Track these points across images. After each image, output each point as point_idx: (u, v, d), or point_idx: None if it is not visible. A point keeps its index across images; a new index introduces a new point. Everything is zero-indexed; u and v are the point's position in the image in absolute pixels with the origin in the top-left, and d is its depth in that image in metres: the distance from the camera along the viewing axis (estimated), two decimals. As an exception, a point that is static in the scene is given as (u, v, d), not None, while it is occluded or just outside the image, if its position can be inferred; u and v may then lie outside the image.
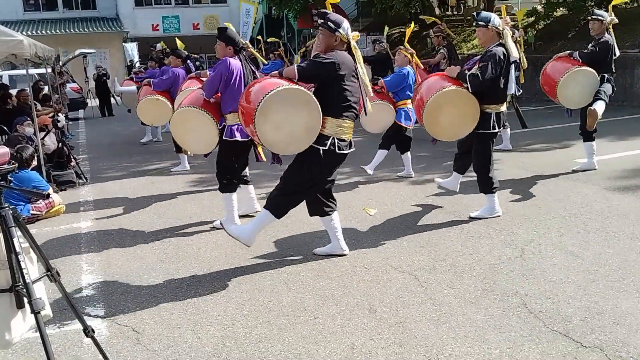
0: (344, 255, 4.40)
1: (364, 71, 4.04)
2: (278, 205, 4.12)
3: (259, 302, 3.69)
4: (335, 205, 4.35)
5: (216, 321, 3.46)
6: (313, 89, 4.05)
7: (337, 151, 4.02)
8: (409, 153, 6.98)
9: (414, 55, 6.83)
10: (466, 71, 4.81)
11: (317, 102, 3.90)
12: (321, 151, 3.98)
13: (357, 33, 4.21)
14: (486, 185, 5.09)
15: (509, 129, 8.21)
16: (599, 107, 6.04)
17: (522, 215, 5.18)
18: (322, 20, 3.99)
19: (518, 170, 6.94)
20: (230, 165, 5.20)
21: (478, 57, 4.94)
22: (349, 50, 4.02)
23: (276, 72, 4.13)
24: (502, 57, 4.71)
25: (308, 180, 4.09)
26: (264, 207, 4.17)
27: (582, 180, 6.25)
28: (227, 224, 4.29)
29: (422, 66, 7.16)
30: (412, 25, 7.84)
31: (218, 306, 3.67)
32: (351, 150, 4.17)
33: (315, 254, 4.44)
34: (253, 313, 3.54)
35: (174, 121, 5.24)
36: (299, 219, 5.09)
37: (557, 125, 9.87)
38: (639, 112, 10.92)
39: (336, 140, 3.99)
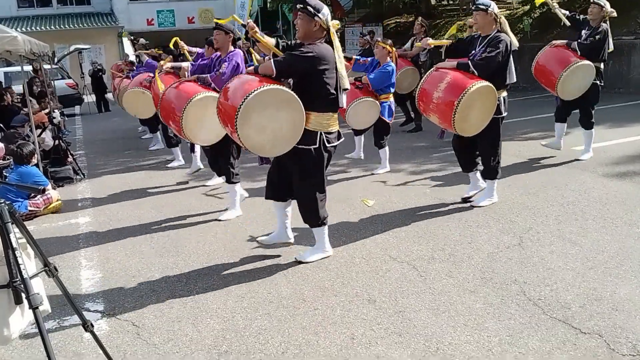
0: (290, 243, 4.40)
1: (342, 62, 3.91)
2: (317, 216, 4.07)
3: (258, 294, 3.70)
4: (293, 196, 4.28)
5: (216, 314, 3.47)
6: (291, 81, 3.96)
7: (328, 145, 3.97)
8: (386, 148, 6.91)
9: (393, 46, 6.79)
10: (468, 60, 4.79)
11: (299, 99, 3.78)
12: (313, 151, 3.92)
13: (336, 22, 4.04)
14: (491, 171, 5.12)
15: None
16: None
17: (520, 203, 5.18)
18: (301, 5, 3.85)
19: (515, 158, 6.94)
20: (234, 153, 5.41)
21: (482, 47, 4.89)
22: (329, 38, 3.89)
23: (251, 67, 4.03)
24: (508, 44, 4.80)
25: (319, 179, 4.03)
26: (311, 227, 4.16)
27: (579, 167, 6.26)
28: (305, 257, 4.18)
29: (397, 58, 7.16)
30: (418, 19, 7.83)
31: (217, 299, 3.67)
32: (341, 140, 4.11)
33: (261, 242, 4.48)
34: (252, 305, 3.54)
35: (190, 110, 5.05)
36: (295, 213, 5.06)
37: (554, 114, 9.84)
38: (636, 99, 10.90)
39: (324, 135, 3.93)
